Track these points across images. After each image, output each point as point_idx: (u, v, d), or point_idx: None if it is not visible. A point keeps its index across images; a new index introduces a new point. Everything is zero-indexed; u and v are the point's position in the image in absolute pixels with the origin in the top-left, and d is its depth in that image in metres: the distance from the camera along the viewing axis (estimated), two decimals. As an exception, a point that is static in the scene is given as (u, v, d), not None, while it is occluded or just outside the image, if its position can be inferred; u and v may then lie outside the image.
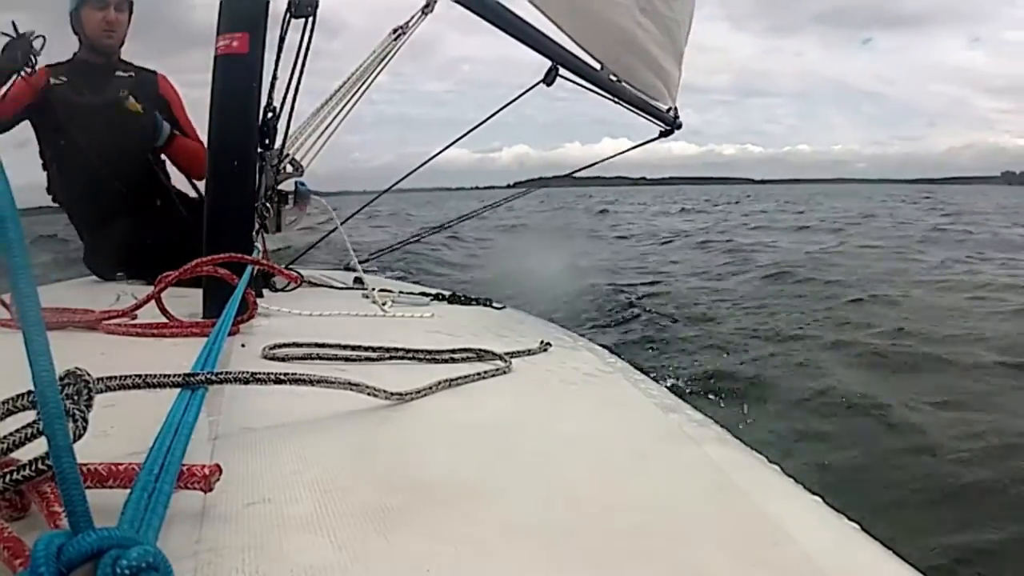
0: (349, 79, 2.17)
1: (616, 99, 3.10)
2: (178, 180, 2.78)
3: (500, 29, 2.44)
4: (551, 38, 2.68)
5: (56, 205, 2.73)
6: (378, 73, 2.20)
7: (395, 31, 2.23)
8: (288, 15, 1.95)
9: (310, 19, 1.98)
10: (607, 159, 3.95)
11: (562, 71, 2.77)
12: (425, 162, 3.07)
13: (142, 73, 2.74)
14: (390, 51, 2.21)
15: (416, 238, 4.32)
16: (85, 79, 2.63)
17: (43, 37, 2.35)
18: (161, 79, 2.77)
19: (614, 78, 3.02)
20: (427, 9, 2.24)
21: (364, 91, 2.19)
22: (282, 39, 1.92)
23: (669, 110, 3.46)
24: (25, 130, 2.59)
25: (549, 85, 2.83)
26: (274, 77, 1.93)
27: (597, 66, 2.91)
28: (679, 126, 3.53)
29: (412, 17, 2.24)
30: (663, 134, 3.54)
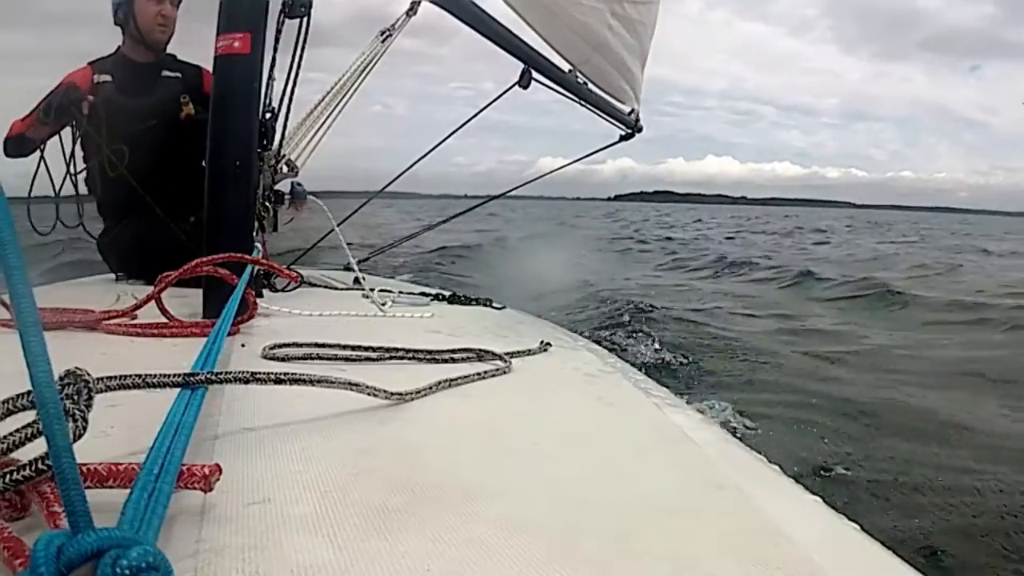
0: (340, 81, 2.18)
1: (582, 102, 3.17)
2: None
3: (477, 31, 2.47)
4: (524, 41, 2.73)
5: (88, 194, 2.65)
6: (367, 74, 2.21)
7: (382, 33, 2.24)
8: (282, 15, 1.95)
9: (305, 19, 1.98)
10: (560, 168, 3.96)
11: (535, 74, 2.82)
12: (410, 166, 3.11)
13: (187, 69, 2.69)
14: (378, 53, 2.22)
15: (413, 236, 4.32)
16: (132, 78, 2.57)
17: (90, 99, 2.36)
18: (205, 74, 2.69)
19: (582, 81, 3.07)
20: (411, 12, 2.25)
21: (354, 92, 2.20)
22: (277, 39, 1.92)
23: (631, 112, 3.51)
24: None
25: (525, 88, 2.88)
26: (270, 77, 1.93)
27: (566, 68, 2.95)
28: (640, 129, 3.60)
29: (398, 20, 2.24)
30: (624, 137, 3.60)
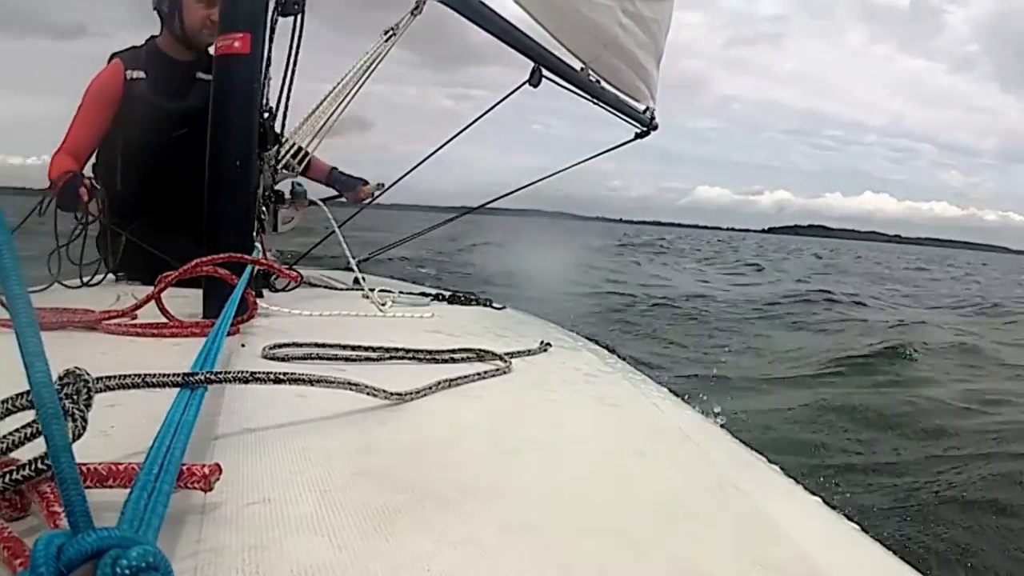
0: (342, 81, 2.17)
1: (595, 100, 3.16)
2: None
3: (484, 30, 2.46)
4: (534, 39, 2.72)
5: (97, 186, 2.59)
6: (370, 74, 2.20)
7: (386, 33, 2.23)
8: (275, 13, 1.94)
9: (299, 17, 1.97)
10: (564, 169, 3.92)
11: (546, 72, 2.81)
12: (406, 173, 3.08)
13: None
14: (382, 53, 2.21)
15: (415, 236, 4.31)
16: (169, 79, 2.46)
17: (98, 190, 2.20)
18: None
19: (594, 79, 3.05)
20: (416, 11, 2.24)
21: (356, 93, 2.19)
22: (271, 38, 1.91)
23: (646, 111, 3.50)
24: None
25: (535, 86, 2.87)
26: (266, 76, 1.92)
27: (578, 67, 2.95)
28: (655, 127, 3.57)
29: (402, 19, 2.24)
30: (639, 135, 3.58)
